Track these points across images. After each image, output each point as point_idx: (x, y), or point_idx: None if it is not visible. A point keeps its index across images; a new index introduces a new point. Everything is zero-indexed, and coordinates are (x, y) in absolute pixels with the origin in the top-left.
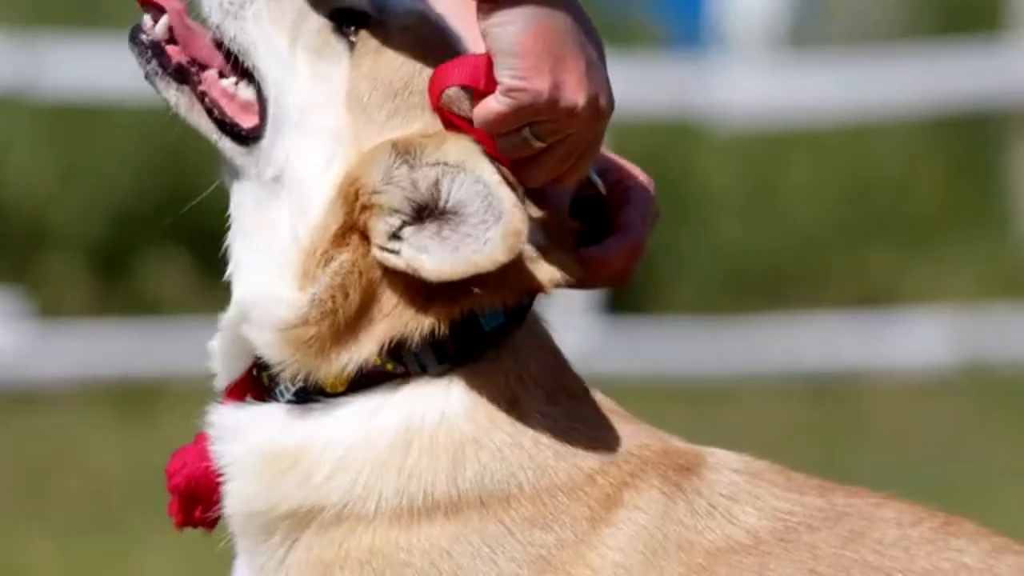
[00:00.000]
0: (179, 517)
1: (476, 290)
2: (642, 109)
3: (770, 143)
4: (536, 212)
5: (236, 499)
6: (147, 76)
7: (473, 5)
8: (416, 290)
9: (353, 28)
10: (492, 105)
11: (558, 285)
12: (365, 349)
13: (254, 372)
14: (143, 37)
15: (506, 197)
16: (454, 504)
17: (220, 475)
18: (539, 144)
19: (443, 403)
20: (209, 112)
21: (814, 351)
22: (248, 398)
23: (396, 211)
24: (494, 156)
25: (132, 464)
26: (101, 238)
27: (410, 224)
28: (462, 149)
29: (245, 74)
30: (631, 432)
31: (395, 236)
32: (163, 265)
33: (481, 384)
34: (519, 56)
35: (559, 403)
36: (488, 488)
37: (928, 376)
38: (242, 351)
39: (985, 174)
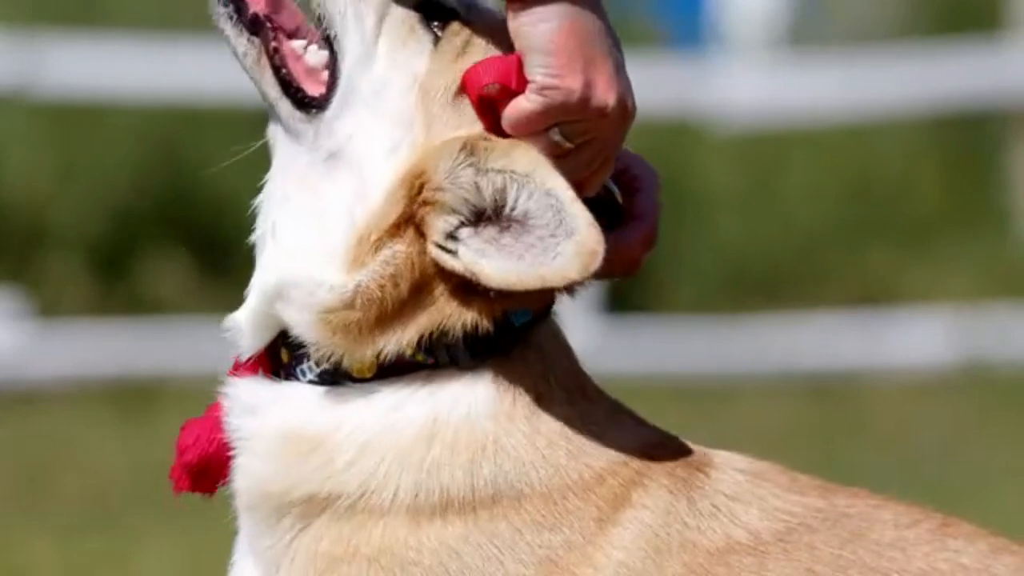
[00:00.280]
0: (188, 486)
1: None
2: (642, 108)
3: (770, 142)
4: None
5: (248, 476)
6: (218, 21)
7: None
8: (462, 286)
9: (438, 23)
10: (523, 104)
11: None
12: (405, 337)
13: (272, 348)
14: None
15: (580, 215)
16: (467, 503)
17: (232, 448)
18: (567, 145)
19: (470, 400)
20: (276, 70)
21: (814, 350)
22: (260, 373)
23: (454, 211)
24: None
25: (131, 463)
26: (100, 237)
27: (467, 226)
28: (531, 159)
29: (321, 40)
30: (641, 432)
31: (451, 236)
32: (162, 264)
33: (508, 382)
34: (551, 54)
35: (576, 403)
36: (501, 488)
37: (927, 375)
38: (269, 326)
39: (984, 174)
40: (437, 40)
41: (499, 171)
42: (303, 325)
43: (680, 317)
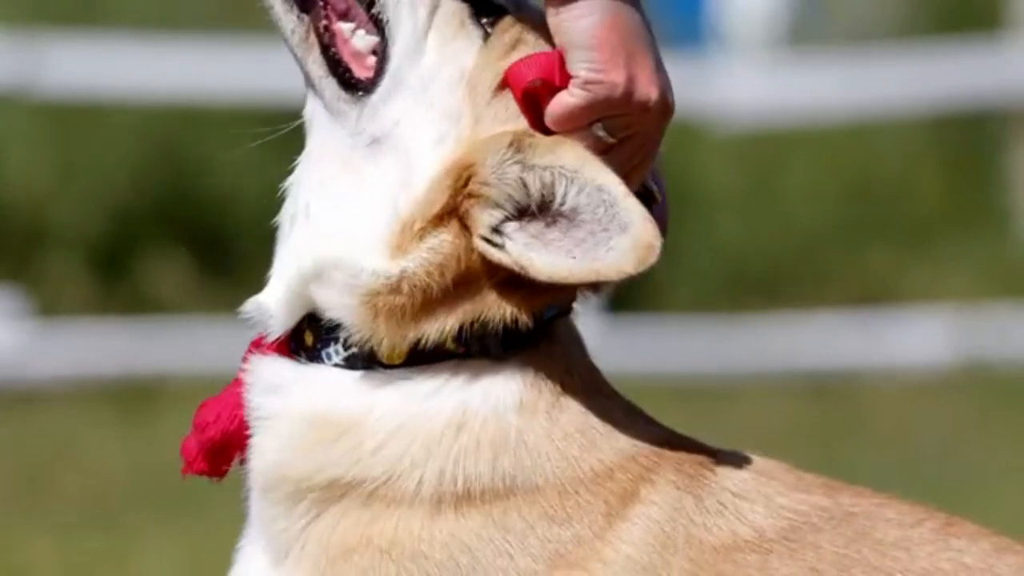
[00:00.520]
0: (203, 466)
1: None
2: None
3: (770, 142)
4: None
5: (266, 456)
6: None
7: None
8: (505, 278)
9: (488, 20)
10: (567, 99)
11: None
12: (447, 326)
13: (294, 329)
14: None
15: (635, 209)
16: (484, 495)
17: (250, 426)
18: (610, 140)
19: (499, 392)
20: (325, 48)
21: (814, 350)
22: (276, 352)
23: (499, 206)
24: None
25: (131, 463)
26: (100, 236)
27: (512, 220)
28: (578, 155)
29: (370, 25)
30: (651, 429)
31: (495, 230)
32: (162, 264)
33: (535, 375)
34: (595, 48)
35: (593, 398)
36: (518, 481)
37: (927, 375)
38: (298, 306)
39: (985, 173)
40: (486, 36)
41: (546, 167)
42: (343, 308)
43: (680, 317)
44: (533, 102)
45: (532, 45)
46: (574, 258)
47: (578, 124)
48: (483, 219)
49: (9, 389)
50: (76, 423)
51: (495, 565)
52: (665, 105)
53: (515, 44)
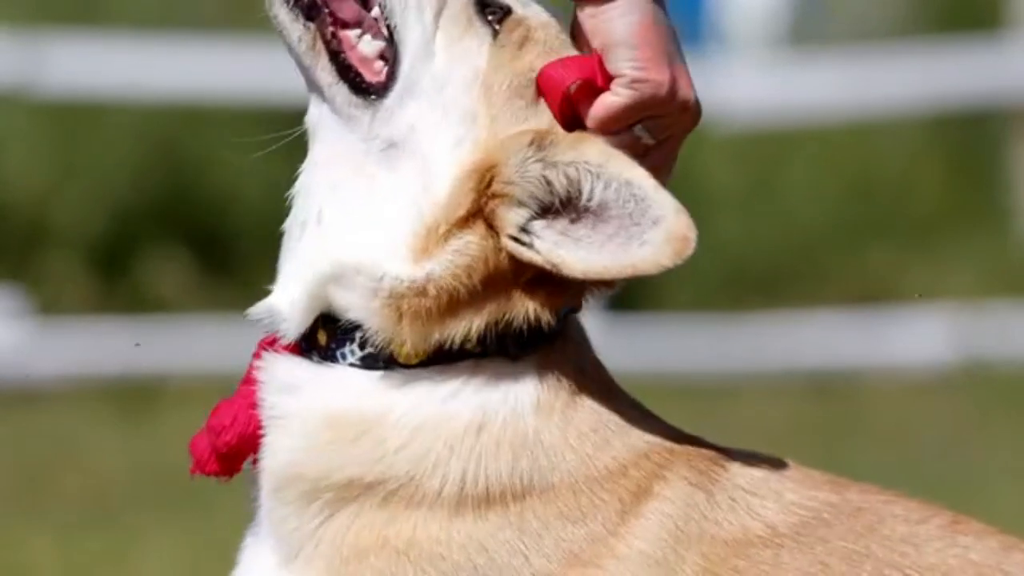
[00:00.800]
0: (215, 468)
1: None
2: None
3: (770, 141)
4: None
5: (280, 456)
6: (271, 7)
7: None
8: (528, 278)
9: (495, 17)
10: (612, 99)
11: None
12: (474, 327)
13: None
14: None
15: (667, 202)
16: (503, 496)
17: (263, 425)
18: (649, 141)
19: (518, 392)
20: (334, 55)
21: (814, 349)
22: (284, 351)
23: (524, 204)
24: None
25: (131, 462)
26: (101, 236)
27: (538, 218)
28: (601, 151)
29: (378, 29)
30: (660, 427)
31: (523, 229)
32: (163, 263)
33: (551, 374)
34: (638, 47)
35: (604, 396)
36: (534, 481)
37: (928, 374)
38: (314, 308)
39: (985, 172)
40: (495, 33)
41: (569, 163)
42: (364, 310)
43: (680, 316)
44: (569, 105)
45: (541, 41)
46: (605, 253)
47: (622, 125)
48: (510, 218)
49: (9, 388)
50: (76, 422)
51: (510, 565)
52: (699, 108)
53: (523, 42)
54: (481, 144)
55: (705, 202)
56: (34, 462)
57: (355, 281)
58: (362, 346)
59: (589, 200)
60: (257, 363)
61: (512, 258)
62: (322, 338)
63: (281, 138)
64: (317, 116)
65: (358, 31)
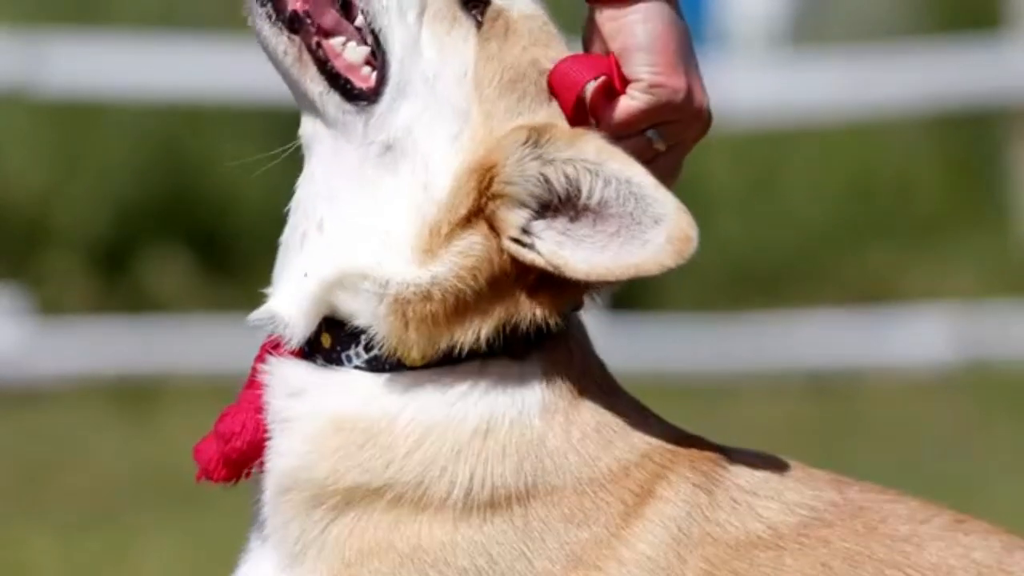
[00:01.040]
0: (224, 474)
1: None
2: None
3: (771, 141)
4: None
5: (286, 459)
6: (255, 21)
7: None
8: (533, 279)
9: (477, 9)
10: (628, 103)
11: None
12: (483, 331)
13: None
14: None
15: (668, 200)
16: (507, 500)
17: (269, 428)
18: (660, 147)
19: (524, 395)
20: (322, 64)
21: (815, 348)
22: (286, 355)
23: (524, 204)
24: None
25: (132, 461)
26: (102, 235)
27: (538, 219)
28: (599, 147)
29: (361, 35)
30: (662, 427)
31: (524, 230)
32: (164, 262)
33: (555, 375)
34: (657, 52)
35: (606, 397)
36: (538, 484)
37: (929, 374)
38: (318, 313)
39: (986, 172)
40: (479, 25)
41: (567, 160)
42: (371, 316)
43: (681, 315)
44: (582, 104)
45: (524, 29)
46: (607, 253)
47: (636, 128)
48: (510, 219)
49: (10, 387)
50: (77, 422)
51: (514, 569)
52: (711, 116)
53: (506, 32)
54: (479, 141)
55: (705, 202)
56: (35, 462)
57: (361, 287)
58: (368, 348)
59: (589, 198)
60: (261, 367)
61: (514, 259)
62: (326, 341)
63: (273, 157)
64: (311, 130)
65: (341, 39)
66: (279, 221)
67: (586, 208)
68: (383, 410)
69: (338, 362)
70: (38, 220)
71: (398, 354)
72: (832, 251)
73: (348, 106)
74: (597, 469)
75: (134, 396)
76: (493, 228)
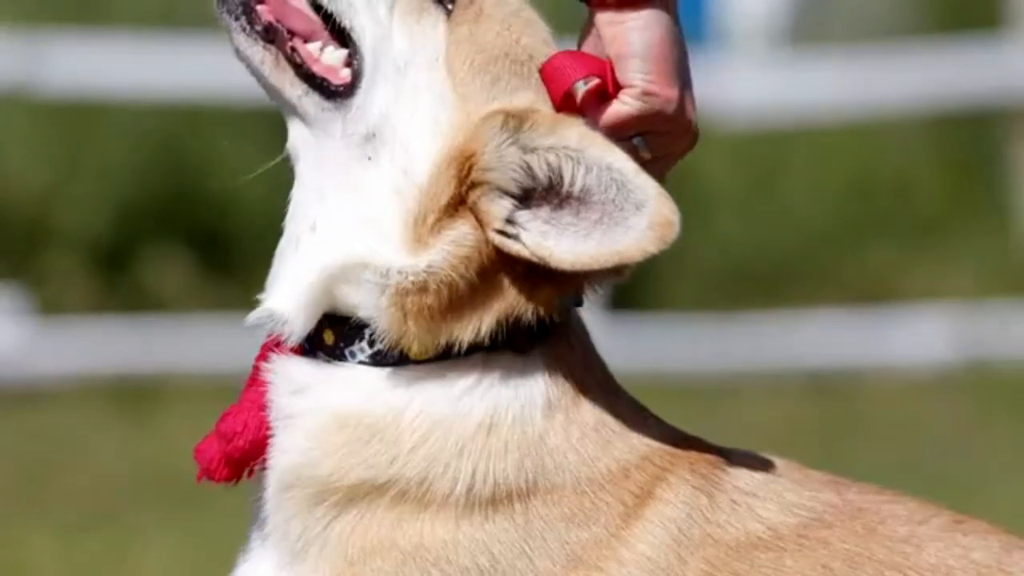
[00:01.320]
0: (226, 474)
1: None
2: None
3: (771, 140)
4: None
5: (289, 456)
6: (231, 34)
7: None
8: (520, 270)
9: None
10: (620, 107)
11: None
12: (483, 326)
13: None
14: None
15: (648, 185)
16: (508, 498)
17: (272, 425)
18: (646, 155)
19: (527, 390)
20: (298, 67)
21: (815, 348)
22: (288, 351)
23: (506, 192)
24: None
25: (133, 461)
26: (102, 235)
27: (521, 208)
28: (581, 133)
29: (335, 37)
30: (661, 428)
31: (508, 220)
32: (164, 262)
33: (557, 371)
34: (654, 61)
35: (606, 395)
36: (539, 482)
37: (929, 373)
38: (318, 309)
39: (986, 171)
40: (449, 13)
41: (549, 147)
42: (373, 309)
43: (681, 314)
44: (570, 100)
45: (497, 14)
46: (591, 242)
47: (623, 134)
48: (494, 211)
49: (11, 387)
50: (77, 421)
51: (515, 567)
52: (697, 134)
53: (478, 16)
54: (456, 125)
55: (706, 201)
56: (35, 462)
57: (363, 277)
58: (371, 343)
59: (571, 186)
60: (263, 365)
61: (499, 251)
62: (329, 338)
63: (269, 168)
64: (296, 138)
65: (318, 44)
66: (280, 221)
67: (569, 196)
68: (388, 405)
69: (341, 358)
70: (38, 220)
71: (400, 347)
72: (832, 251)
73: (327, 103)
74: (596, 469)
75: (134, 396)
76: (479, 219)
